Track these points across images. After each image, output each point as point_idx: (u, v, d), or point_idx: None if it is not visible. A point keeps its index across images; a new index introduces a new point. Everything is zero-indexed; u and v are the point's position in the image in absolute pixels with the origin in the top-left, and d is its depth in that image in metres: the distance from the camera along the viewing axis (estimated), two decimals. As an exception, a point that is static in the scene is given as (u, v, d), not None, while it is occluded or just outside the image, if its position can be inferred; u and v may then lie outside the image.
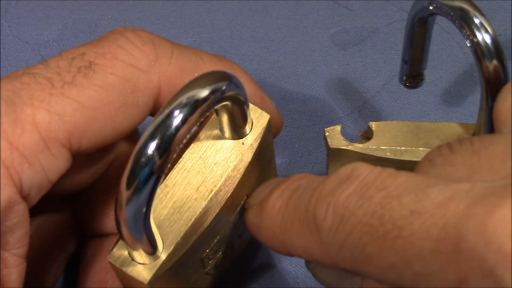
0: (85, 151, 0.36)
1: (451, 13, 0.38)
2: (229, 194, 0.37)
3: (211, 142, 0.38)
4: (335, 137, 0.44)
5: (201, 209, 0.36)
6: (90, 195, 0.43)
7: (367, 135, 0.44)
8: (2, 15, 0.59)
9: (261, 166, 0.40)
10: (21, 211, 0.35)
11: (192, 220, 0.36)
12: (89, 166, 0.40)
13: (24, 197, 0.35)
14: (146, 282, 0.34)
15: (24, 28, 0.58)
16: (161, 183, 0.36)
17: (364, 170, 0.32)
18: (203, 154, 0.37)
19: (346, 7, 0.60)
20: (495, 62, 0.37)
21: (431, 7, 0.39)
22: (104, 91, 0.36)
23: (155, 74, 0.36)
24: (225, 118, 0.37)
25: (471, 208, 0.27)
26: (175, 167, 0.37)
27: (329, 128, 0.44)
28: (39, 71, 0.36)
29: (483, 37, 0.37)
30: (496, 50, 0.37)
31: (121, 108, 0.36)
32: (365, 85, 0.55)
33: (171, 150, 0.32)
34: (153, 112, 0.39)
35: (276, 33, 0.58)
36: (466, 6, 0.38)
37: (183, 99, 0.32)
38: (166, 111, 0.32)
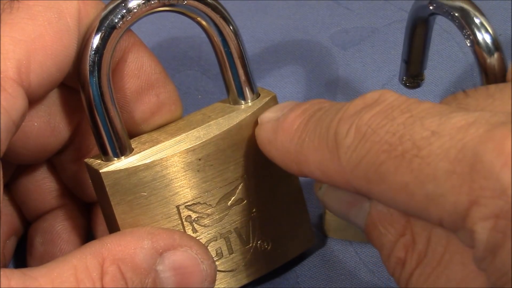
0: (36, 89, 0.37)
1: (451, 13, 0.38)
2: (203, 140, 0.40)
3: (218, 106, 0.42)
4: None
5: (167, 141, 0.40)
6: (63, 164, 0.43)
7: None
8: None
9: None
10: None
11: (158, 145, 0.39)
12: (53, 129, 0.41)
13: None
14: (100, 171, 0.38)
15: (24, 28, 0.58)
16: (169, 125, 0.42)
17: (391, 96, 0.33)
18: (205, 111, 0.42)
19: (346, 7, 0.60)
20: (495, 62, 0.37)
21: (431, 7, 0.39)
22: (33, 21, 0.37)
23: None
24: (227, 70, 0.41)
25: (491, 132, 0.28)
26: (182, 118, 0.42)
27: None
28: None
29: (483, 36, 0.37)
30: (497, 50, 0.37)
31: (56, 35, 0.37)
32: (365, 85, 0.55)
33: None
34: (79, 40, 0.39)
35: (276, 33, 0.58)
36: (466, 6, 0.38)
37: None
38: None
